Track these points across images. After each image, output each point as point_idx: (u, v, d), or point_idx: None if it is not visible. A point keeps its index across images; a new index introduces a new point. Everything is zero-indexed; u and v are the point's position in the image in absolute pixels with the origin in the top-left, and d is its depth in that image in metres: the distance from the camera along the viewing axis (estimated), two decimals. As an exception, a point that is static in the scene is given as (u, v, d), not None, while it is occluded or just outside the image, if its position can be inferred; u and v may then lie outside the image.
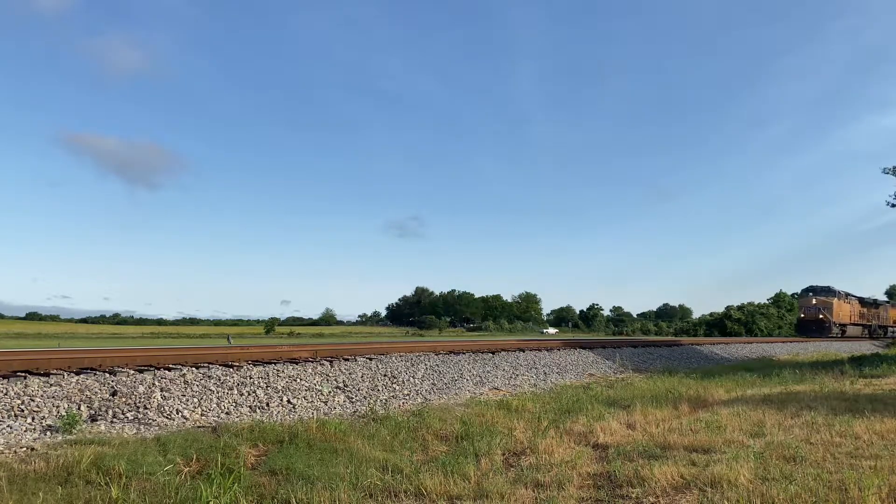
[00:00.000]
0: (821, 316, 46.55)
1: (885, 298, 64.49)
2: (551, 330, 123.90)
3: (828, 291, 47.82)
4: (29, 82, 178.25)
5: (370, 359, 12.18)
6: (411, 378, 11.45)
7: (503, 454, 6.71)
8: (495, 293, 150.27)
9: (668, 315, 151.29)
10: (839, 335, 47.91)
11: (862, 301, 54.96)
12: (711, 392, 11.94)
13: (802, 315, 48.47)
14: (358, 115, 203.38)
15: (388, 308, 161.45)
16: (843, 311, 48.79)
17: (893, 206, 23.45)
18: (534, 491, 5.25)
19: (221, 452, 5.82)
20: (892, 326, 62.03)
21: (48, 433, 6.43)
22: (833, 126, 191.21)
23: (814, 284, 49.07)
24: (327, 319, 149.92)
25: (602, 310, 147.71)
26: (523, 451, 6.88)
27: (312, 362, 10.98)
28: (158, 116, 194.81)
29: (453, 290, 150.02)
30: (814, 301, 47.17)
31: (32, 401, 7.09)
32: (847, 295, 50.89)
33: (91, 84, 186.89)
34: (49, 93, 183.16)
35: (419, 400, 10.28)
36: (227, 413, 8.01)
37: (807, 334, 46.08)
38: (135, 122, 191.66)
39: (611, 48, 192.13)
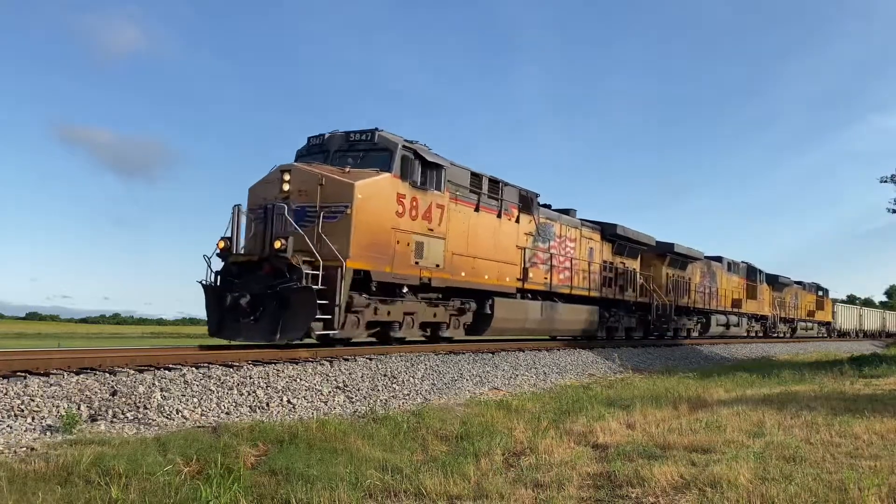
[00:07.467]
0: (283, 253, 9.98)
1: (719, 255, 30.34)
2: None
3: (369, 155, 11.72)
4: (23, 70, 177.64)
5: (370, 359, 12.17)
6: (411, 378, 11.45)
7: (503, 454, 6.71)
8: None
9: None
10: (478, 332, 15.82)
11: (612, 240, 20.32)
12: (711, 392, 11.94)
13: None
14: (360, 113, 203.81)
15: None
16: (493, 243, 14.54)
17: (894, 211, 23.57)
18: (534, 491, 5.25)
19: (221, 452, 5.82)
20: (732, 312, 30.62)
21: (48, 433, 6.43)
22: (835, 127, 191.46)
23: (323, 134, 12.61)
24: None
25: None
26: (523, 451, 6.88)
27: (312, 362, 10.97)
28: (157, 111, 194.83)
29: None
30: (287, 182, 11.08)
31: (32, 401, 7.08)
32: (553, 211, 18.22)
33: (86, 75, 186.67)
34: (42, 83, 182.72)
35: (419, 400, 10.28)
36: (227, 413, 8.00)
37: (222, 332, 11.28)
38: (132, 116, 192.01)
39: (614, 50, 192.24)
